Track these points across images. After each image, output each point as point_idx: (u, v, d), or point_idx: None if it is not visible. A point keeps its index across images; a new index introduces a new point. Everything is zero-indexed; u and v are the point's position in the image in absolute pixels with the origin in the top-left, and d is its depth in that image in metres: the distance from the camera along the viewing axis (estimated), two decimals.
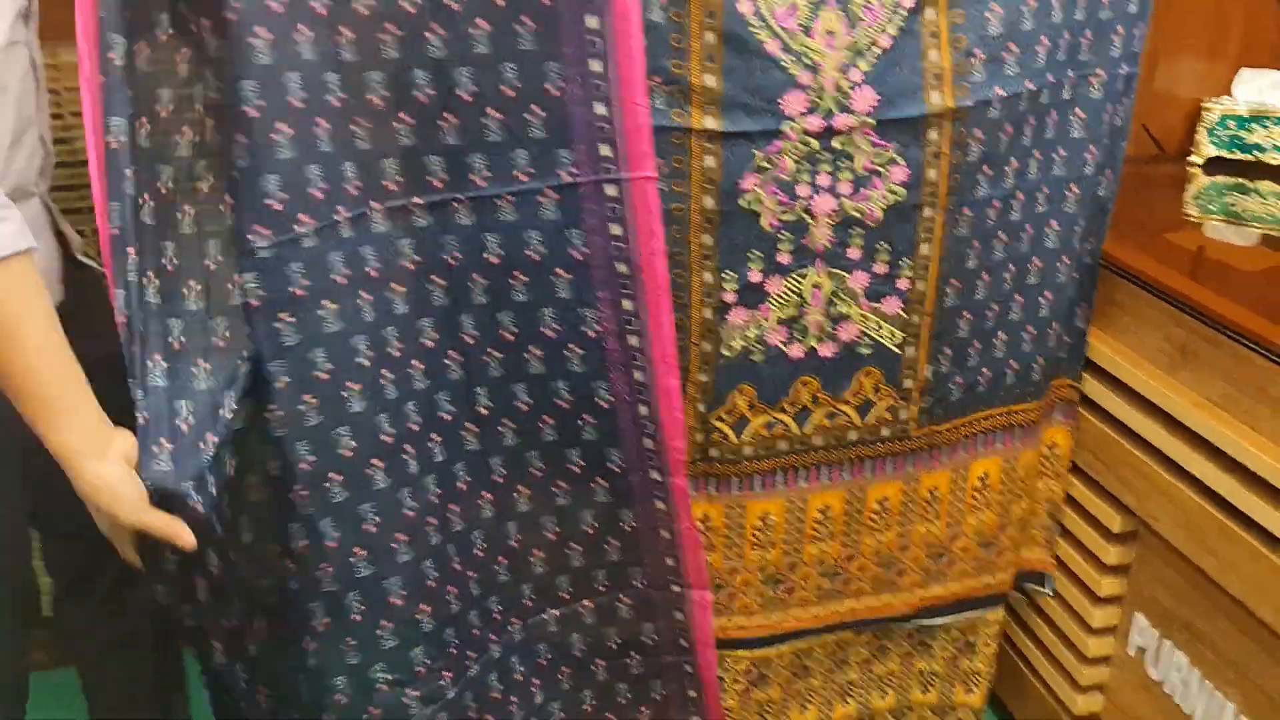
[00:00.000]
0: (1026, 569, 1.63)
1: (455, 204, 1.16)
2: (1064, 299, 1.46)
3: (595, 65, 1.13)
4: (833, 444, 1.41)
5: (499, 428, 1.30)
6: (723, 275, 1.27)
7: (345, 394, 1.15)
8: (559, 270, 1.22)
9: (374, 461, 1.19)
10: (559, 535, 1.38)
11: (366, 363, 1.16)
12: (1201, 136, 1.84)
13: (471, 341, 1.24)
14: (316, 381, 1.13)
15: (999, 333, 1.43)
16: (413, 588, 1.25)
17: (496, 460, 1.31)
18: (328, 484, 1.16)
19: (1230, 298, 1.31)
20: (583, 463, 1.33)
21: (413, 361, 1.20)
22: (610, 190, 1.19)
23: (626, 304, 1.24)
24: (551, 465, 1.33)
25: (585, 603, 1.43)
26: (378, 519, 1.20)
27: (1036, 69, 1.29)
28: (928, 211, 1.29)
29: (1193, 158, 1.85)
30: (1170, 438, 1.35)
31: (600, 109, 1.14)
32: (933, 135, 1.25)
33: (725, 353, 1.31)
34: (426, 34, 1.08)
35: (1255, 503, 1.21)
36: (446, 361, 1.23)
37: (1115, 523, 1.48)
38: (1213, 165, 1.83)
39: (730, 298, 1.28)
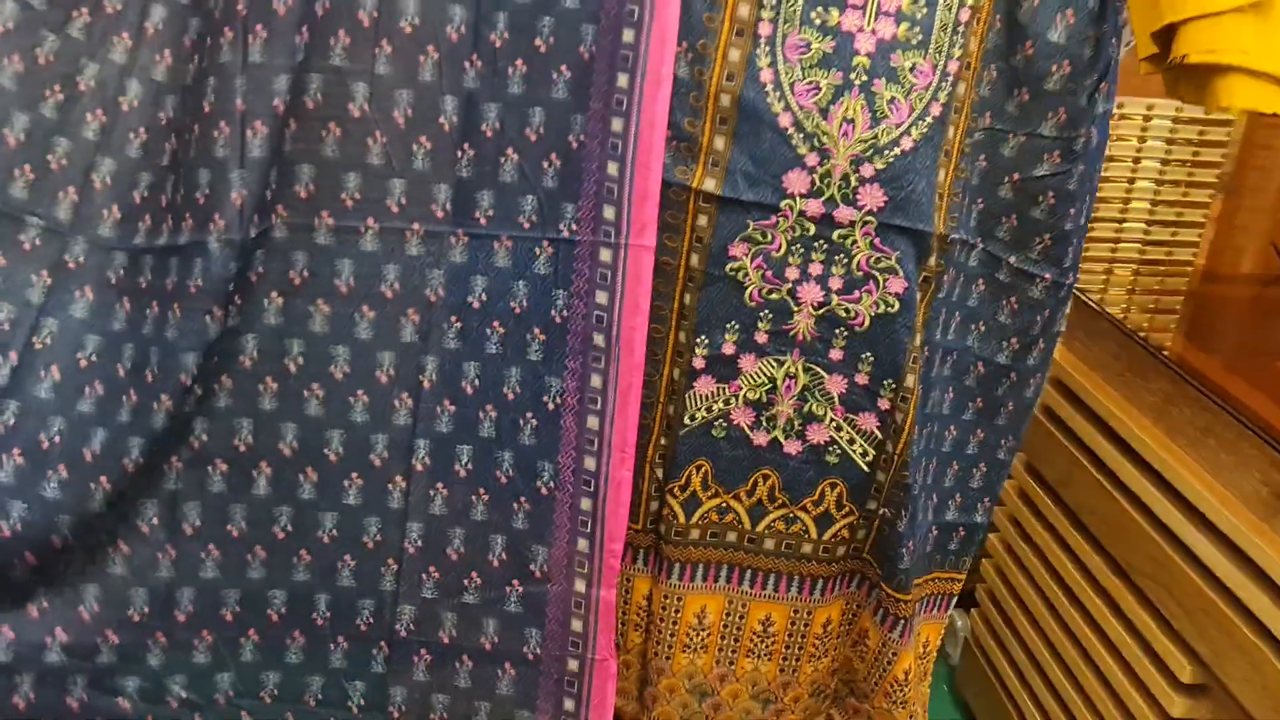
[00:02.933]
0: None
1: (453, 238, 1.18)
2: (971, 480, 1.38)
3: (617, 124, 1.13)
4: (785, 552, 1.32)
5: (430, 490, 1.23)
6: (696, 339, 1.25)
7: (260, 389, 1.20)
8: (536, 329, 1.20)
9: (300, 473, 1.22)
10: (451, 642, 1.28)
11: (293, 369, 1.19)
12: None
13: (429, 387, 1.20)
14: (284, 371, 1.19)
15: (933, 494, 1.35)
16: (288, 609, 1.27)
17: (415, 525, 1.25)
18: (254, 472, 1.21)
19: None
20: (504, 556, 1.25)
21: (358, 390, 1.20)
22: (605, 255, 1.16)
23: (595, 380, 1.19)
24: (471, 548, 1.25)
25: None
26: (249, 526, 1.24)
27: (969, 226, 1.24)
28: (918, 340, 1.22)
29: None
30: (1257, 591, 1.23)
31: (613, 169, 1.14)
32: (931, 260, 1.20)
33: (688, 421, 1.28)
34: (465, 64, 1.13)
35: None
36: (395, 404, 1.21)
37: (1185, 672, 1.35)
38: None
39: (699, 364, 1.26)
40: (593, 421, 1.20)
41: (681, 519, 1.31)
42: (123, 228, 1.13)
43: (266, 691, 1.30)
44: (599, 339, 1.18)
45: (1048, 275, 1.27)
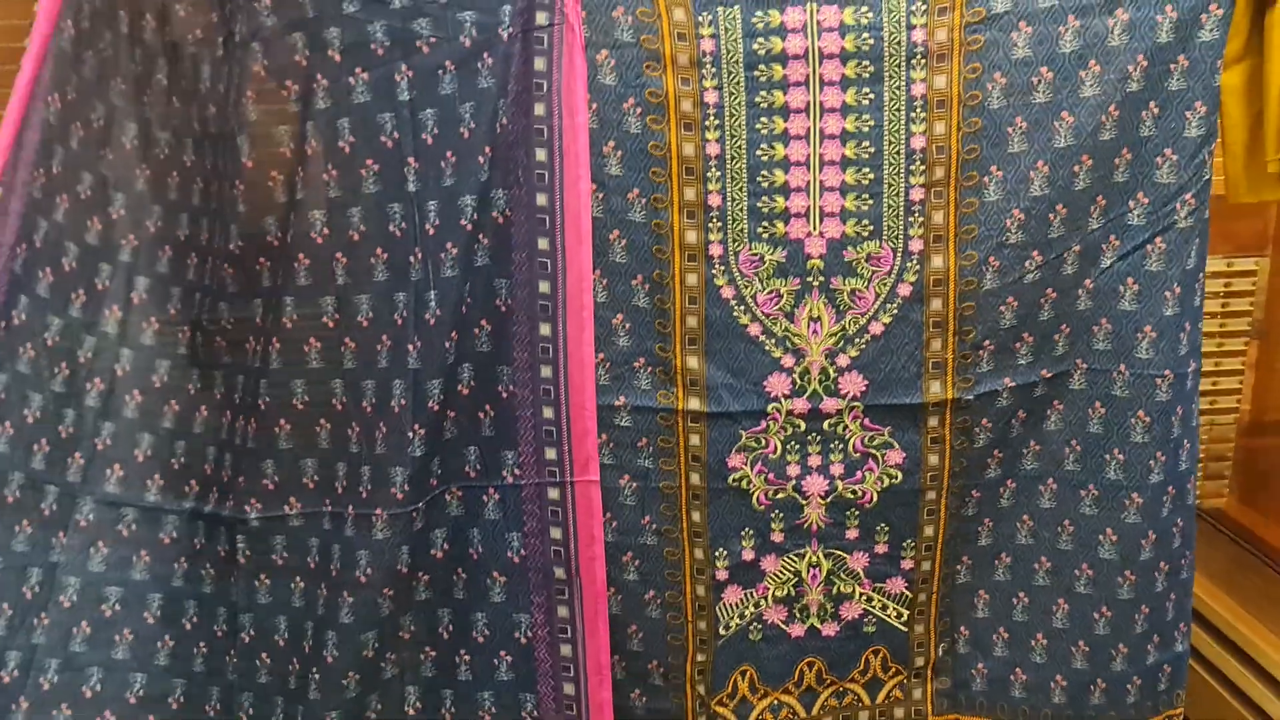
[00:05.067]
0: None
1: (414, 514, 1.19)
2: (1132, 624, 1.29)
3: (546, 371, 1.18)
4: None
5: None
6: (715, 553, 1.25)
7: (290, 669, 1.22)
8: (495, 573, 1.23)
9: None
10: None
11: (307, 649, 1.21)
12: None
13: (407, 638, 1.24)
14: (275, 645, 1.23)
15: (1037, 632, 1.31)
16: None
17: None
18: None
19: None
20: None
21: (349, 673, 1.20)
22: (553, 494, 1.21)
23: (562, 611, 1.23)
24: None
25: None
26: None
27: (1057, 356, 1.23)
28: (930, 495, 1.24)
29: None
30: None
31: (548, 413, 1.19)
32: (933, 422, 1.22)
33: (723, 631, 1.28)
34: (409, 347, 1.16)
35: None
36: (382, 664, 1.23)
37: None
38: None
39: (723, 575, 1.26)
40: (566, 650, 1.25)
41: None
42: (128, 485, 1.20)
43: None
44: (559, 572, 1.23)
45: (1167, 372, 1.20)
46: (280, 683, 1.24)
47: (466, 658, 1.26)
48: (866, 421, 1.21)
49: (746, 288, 1.18)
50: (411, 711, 1.26)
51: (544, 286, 1.16)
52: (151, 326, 1.23)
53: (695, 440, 1.22)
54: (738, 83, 1.15)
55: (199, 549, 1.25)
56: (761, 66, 1.14)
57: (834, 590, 1.27)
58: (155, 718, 1.24)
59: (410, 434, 1.16)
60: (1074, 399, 1.24)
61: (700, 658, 1.28)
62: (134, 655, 1.23)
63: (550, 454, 1.20)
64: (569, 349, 1.17)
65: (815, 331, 1.19)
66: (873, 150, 1.16)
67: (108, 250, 1.20)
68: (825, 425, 1.22)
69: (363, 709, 1.23)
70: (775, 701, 1.31)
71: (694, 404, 1.21)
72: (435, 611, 1.24)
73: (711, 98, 1.15)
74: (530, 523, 1.22)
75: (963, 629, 1.31)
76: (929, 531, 1.26)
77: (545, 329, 1.17)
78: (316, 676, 1.21)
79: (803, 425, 1.21)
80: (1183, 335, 1.20)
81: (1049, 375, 1.22)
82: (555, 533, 1.21)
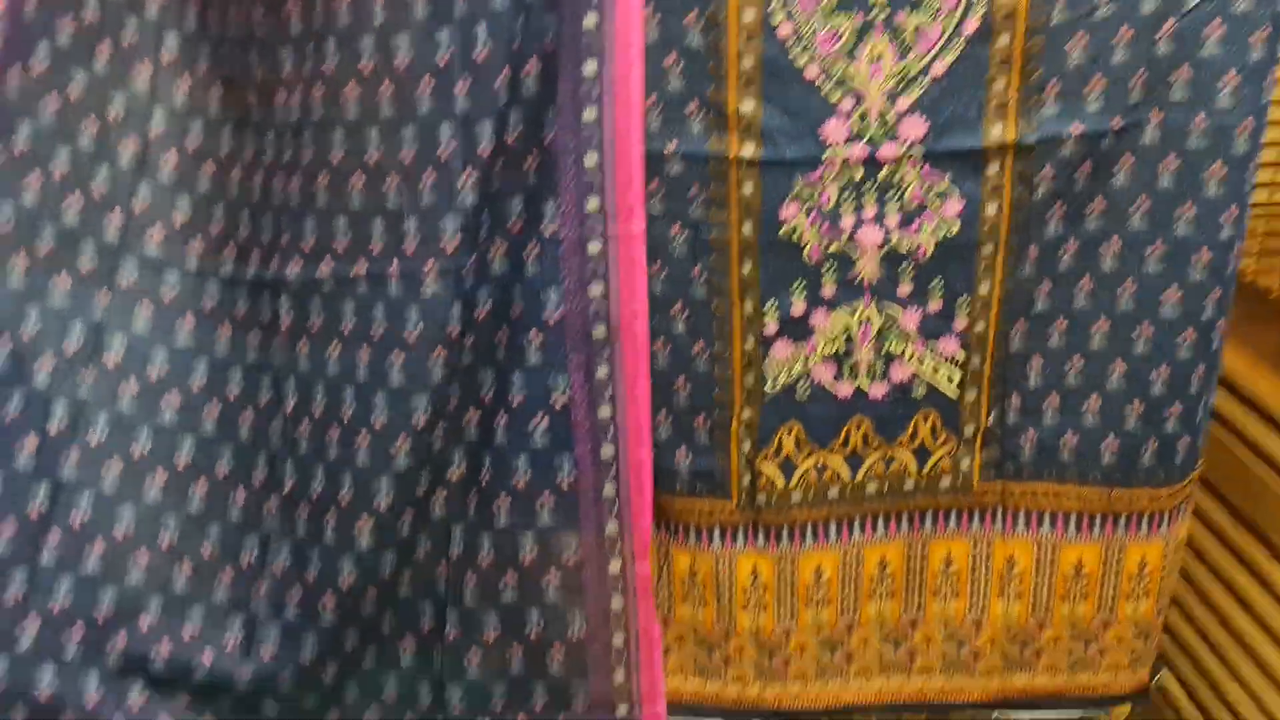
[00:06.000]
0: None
1: (463, 270, 1.17)
2: (1188, 383, 1.26)
3: (590, 113, 1.13)
4: (888, 493, 1.33)
5: (466, 499, 1.27)
6: (764, 307, 1.24)
7: (328, 439, 1.22)
8: (534, 331, 1.20)
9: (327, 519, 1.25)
10: (498, 637, 1.30)
11: (347, 419, 1.22)
12: None
13: (453, 407, 1.22)
14: (313, 414, 1.23)
15: (1091, 395, 1.29)
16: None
17: (458, 529, 1.28)
18: (324, 519, 1.25)
19: None
20: (537, 549, 1.27)
21: (401, 436, 1.20)
22: (593, 247, 1.17)
23: (601, 371, 1.20)
24: (502, 554, 1.28)
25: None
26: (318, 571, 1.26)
27: (1131, 104, 1.16)
28: (987, 249, 1.21)
29: None
30: None
31: (591, 159, 1.14)
32: (992, 169, 1.18)
33: (769, 388, 1.27)
34: (458, 85, 1.12)
35: None
36: (432, 435, 1.22)
37: None
38: None
39: (772, 329, 1.25)
40: (604, 411, 1.22)
41: (780, 483, 1.31)
42: (168, 248, 1.22)
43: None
44: (599, 330, 1.20)
45: (1249, 119, 1.14)
46: (319, 451, 1.24)
47: (504, 419, 1.24)
48: (926, 168, 1.18)
49: (805, 25, 1.14)
50: (455, 477, 1.26)
51: (589, 20, 1.11)
52: (184, 84, 1.20)
53: (748, 189, 1.19)
54: None
55: (242, 317, 1.24)
56: None
57: (884, 349, 1.26)
58: (206, 481, 1.26)
59: (461, 181, 1.14)
60: (1145, 152, 1.18)
61: (747, 414, 1.28)
62: (181, 421, 1.24)
63: (592, 204, 1.16)
64: (616, 89, 1.12)
65: (876, 73, 1.15)
66: None
67: (134, 2, 1.16)
68: (883, 173, 1.18)
69: (414, 482, 1.23)
70: (821, 462, 1.31)
71: (748, 150, 1.17)
72: (478, 374, 1.23)
73: None
74: (569, 279, 1.18)
75: (1014, 397, 1.29)
76: (984, 289, 1.23)
77: (590, 67, 1.12)
78: (365, 442, 1.21)
79: (860, 173, 1.18)
80: (1265, 82, 1.14)
81: (1120, 127, 1.16)
82: (595, 289, 1.18)
